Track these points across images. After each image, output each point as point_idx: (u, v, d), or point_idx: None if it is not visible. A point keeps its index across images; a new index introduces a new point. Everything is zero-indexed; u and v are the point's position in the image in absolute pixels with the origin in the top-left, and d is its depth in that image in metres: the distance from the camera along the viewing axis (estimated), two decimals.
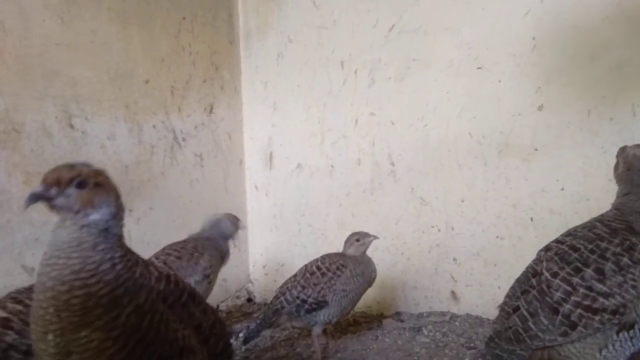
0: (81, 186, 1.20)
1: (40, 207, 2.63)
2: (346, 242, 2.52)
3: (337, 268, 2.41)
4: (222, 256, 2.60)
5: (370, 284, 2.50)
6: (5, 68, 2.40)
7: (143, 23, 3.02)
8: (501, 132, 2.75)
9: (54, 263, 1.15)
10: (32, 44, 2.50)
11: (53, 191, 1.19)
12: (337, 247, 2.67)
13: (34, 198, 1.18)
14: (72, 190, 1.19)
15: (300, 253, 3.43)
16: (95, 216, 1.20)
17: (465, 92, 2.86)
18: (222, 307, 3.34)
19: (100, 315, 1.13)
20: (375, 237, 2.51)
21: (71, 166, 1.23)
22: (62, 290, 1.12)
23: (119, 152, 2.87)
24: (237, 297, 3.49)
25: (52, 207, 1.20)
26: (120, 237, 1.25)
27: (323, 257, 2.50)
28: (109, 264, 1.18)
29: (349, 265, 2.42)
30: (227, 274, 3.42)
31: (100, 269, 1.16)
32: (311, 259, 2.60)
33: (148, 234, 2.95)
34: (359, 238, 2.49)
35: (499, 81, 2.75)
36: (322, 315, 2.36)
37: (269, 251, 3.62)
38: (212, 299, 3.27)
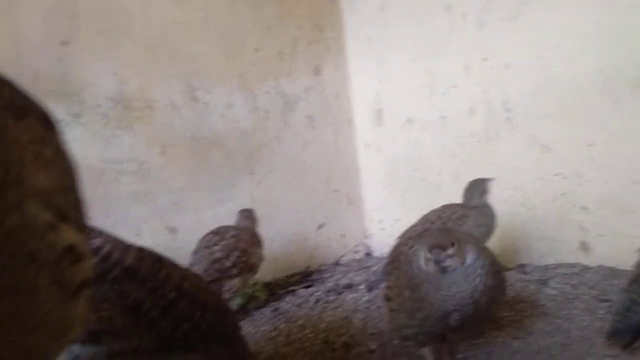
0: None
1: (178, 174, 2.90)
2: (467, 191, 2.48)
3: (459, 218, 2.38)
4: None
5: (489, 236, 2.44)
6: (136, 50, 2.65)
7: None
8: (636, 66, 2.46)
9: None
10: (153, 25, 2.73)
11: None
12: (452, 199, 2.62)
13: None
14: None
15: (415, 207, 3.39)
16: None
17: (592, 23, 2.57)
18: (343, 261, 3.48)
19: None
20: (492, 179, 2.49)
21: None
22: None
23: (237, 119, 3.06)
24: (356, 252, 3.61)
25: None
26: None
27: (443, 207, 2.48)
28: None
29: (471, 215, 2.37)
30: (345, 229, 3.55)
31: None
32: (426, 212, 2.59)
33: (269, 195, 3.15)
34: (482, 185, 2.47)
35: (633, 7, 2.43)
36: None
37: (383, 207, 3.65)
38: (332, 254, 3.45)
